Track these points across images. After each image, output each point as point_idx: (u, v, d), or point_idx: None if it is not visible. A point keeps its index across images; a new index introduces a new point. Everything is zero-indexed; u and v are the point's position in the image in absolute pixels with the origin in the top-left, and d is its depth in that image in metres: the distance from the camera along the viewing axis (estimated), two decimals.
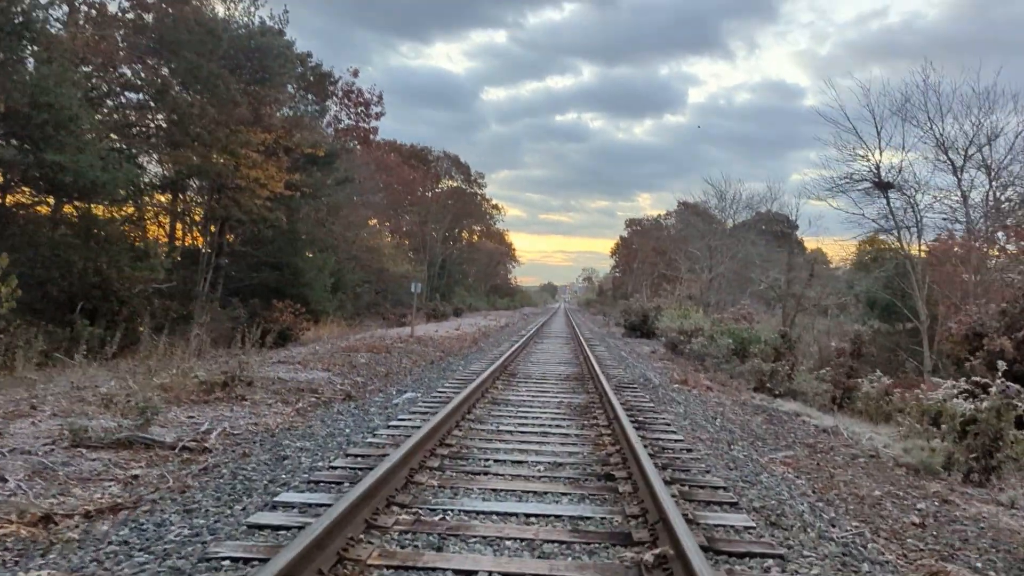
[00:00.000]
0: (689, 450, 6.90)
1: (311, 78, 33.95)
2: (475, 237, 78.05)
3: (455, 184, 67.75)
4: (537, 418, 8.31)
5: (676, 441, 7.31)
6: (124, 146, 22.23)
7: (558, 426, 7.85)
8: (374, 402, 9.72)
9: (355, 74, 36.75)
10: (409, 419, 7.89)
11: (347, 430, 7.40)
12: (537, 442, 6.90)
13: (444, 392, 10.13)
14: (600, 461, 6.17)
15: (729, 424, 9.92)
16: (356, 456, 6.07)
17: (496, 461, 6.05)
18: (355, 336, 23.97)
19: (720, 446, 7.61)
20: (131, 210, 24.35)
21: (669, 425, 8.25)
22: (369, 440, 6.73)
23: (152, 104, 23.43)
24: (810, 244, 37.28)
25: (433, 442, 6.38)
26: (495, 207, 78.11)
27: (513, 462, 6.05)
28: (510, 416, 8.36)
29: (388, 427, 7.47)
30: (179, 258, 26.51)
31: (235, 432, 7.82)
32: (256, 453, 6.59)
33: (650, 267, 69.81)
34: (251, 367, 13.61)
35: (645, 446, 6.58)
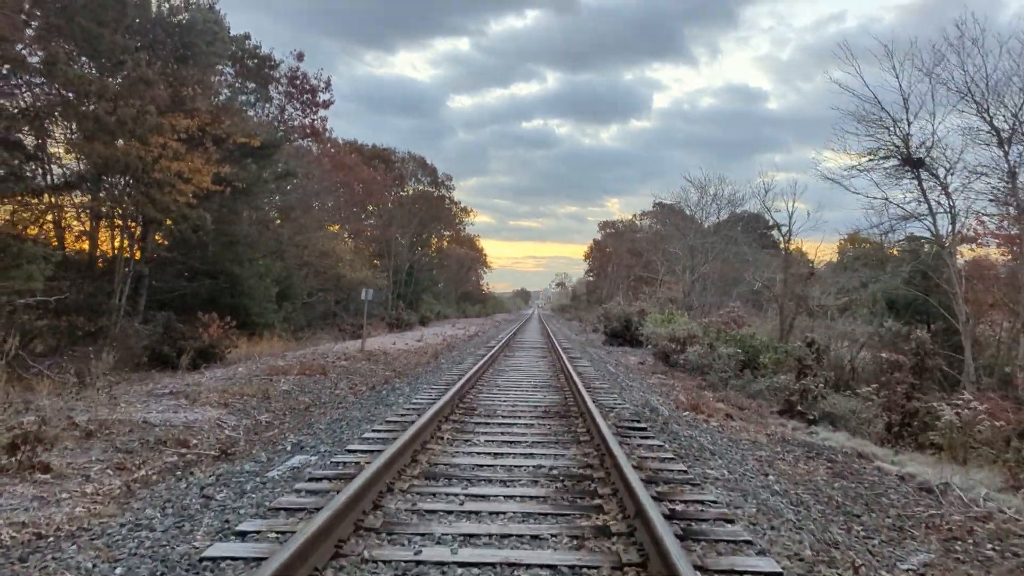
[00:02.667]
0: None
1: (250, 63, 30.29)
2: (444, 242, 73.99)
3: (422, 188, 63.69)
4: (497, 518, 4.64)
5: None
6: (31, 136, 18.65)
7: (537, 547, 4.18)
8: (244, 473, 6.12)
9: (299, 57, 32.76)
10: (263, 529, 4.29)
11: (135, 559, 3.79)
12: None
13: (355, 452, 6.49)
14: None
15: (795, 489, 6.49)
16: None
17: None
18: (295, 353, 20.40)
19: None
20: (30, 211, 20.70)
21: (731, 521, 4.71)
22: None
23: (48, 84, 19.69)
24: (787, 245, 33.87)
25: None
26: (464, 210, 74.15)
27: None
28: (449, 515, 4.70)
29: (207, 555, 3.87)
30: (101, 264, 22.90)
31: None
32: None
33: (626, 270, 66.90)
34: (124, 407, 10.03)
35: None
